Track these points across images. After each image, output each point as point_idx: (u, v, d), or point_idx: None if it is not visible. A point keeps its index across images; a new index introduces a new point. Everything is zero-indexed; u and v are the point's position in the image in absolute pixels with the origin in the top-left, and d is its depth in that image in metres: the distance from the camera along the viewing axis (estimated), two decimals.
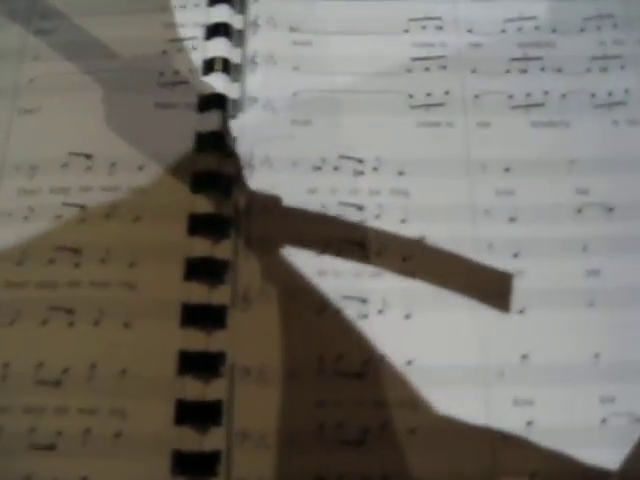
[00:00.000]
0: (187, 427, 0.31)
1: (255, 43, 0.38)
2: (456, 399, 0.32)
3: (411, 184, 0.35)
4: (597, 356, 0.33)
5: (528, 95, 0.37)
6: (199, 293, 0.33)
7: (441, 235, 0.35)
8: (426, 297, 0.34)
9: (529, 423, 0.32)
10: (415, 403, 0.32)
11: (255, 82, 0.37)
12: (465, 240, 0.35)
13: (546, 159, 0.36)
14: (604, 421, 0.32)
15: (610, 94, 0.37)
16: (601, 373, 0.33)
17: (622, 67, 0.38)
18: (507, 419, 0.32)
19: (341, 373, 0.33)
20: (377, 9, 0.39)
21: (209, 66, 0.38)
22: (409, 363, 0.33)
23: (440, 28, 0.38)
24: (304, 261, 0.34)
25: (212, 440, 0.31)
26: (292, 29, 0.39)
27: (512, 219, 0.35)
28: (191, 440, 0.31)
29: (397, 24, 0.38)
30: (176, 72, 0.38)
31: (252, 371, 0.32)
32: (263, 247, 0.34)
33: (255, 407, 0.32)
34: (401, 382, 0.33)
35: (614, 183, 0.36)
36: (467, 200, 0.35)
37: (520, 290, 0.34)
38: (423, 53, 0.38)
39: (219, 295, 0.33)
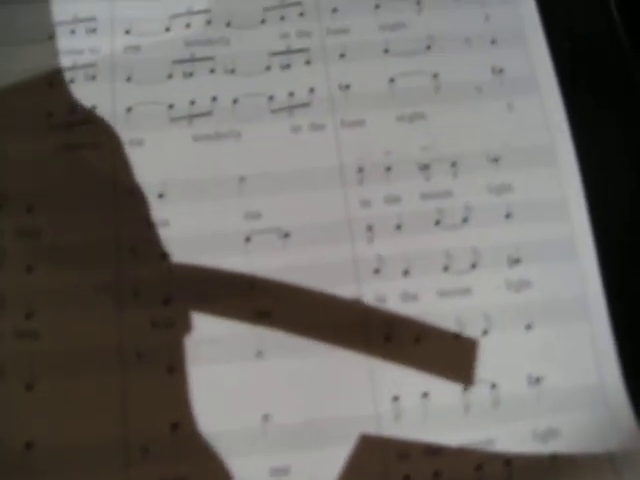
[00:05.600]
0: None
1: None
2: None
3: (43, 221, 0.29)
4: (267, 418, 0.27)
5: (192, 103, 0.31)
6: None
7: (72, 283, 0.28)
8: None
9: None
10: None
11: None
12: (106, 287, 0.28)
13: (211, 179, 0.30)
14: None
15: (292, 95, 0.31)
16: (272, 439, 0.27)
17: (307, 62, 0.31)
18: None
19: None
20: (18, 14, 0.32)
21: None
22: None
23: (93, 31, 0.32)
24: None
25: None
26: None
27: (163, 256, 0.29)
28: None
29: (40, 30, 0.32)
30: None
31: None
32: None
33: None
34: None
35: (291, 202, 0.30)
36: (110, 236, 0.29)
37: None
38: (69, 62, 0.31)
39: None
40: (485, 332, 0.29)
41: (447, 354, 0.28)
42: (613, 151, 0.31)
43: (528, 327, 0.29)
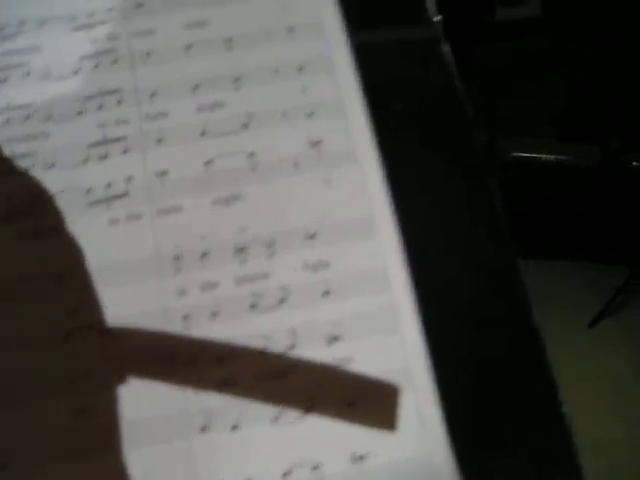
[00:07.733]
0: None
1: None
2: None
3: None
4: None
5: (10, 202, 0.31)
6: None
7: None
8: None
9: None
10: None
11: None
12: None
13: (27, 278, 0.30)
14: None
15: (109, 186, 0.31)
16: None
17: (124, 151, 0.31)
18: None
19: None
20: None
21: None
22: None
23: None
24: None
25: None
26: None
27: None
28: None
29: None
30: None
31: None
32: None
33: None
34: None
35: (108, 297, 0.30)
36: None
37: None
38: None
39: None
40: (307, 411, 0.29)
41: (266, 441, 0.28)
42: (436, 219, 0.31)
43: (351, 404, 0.29)
